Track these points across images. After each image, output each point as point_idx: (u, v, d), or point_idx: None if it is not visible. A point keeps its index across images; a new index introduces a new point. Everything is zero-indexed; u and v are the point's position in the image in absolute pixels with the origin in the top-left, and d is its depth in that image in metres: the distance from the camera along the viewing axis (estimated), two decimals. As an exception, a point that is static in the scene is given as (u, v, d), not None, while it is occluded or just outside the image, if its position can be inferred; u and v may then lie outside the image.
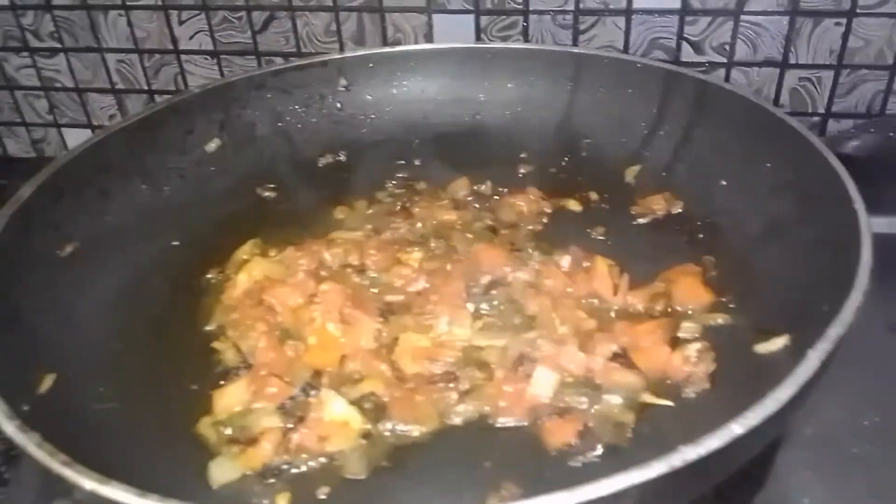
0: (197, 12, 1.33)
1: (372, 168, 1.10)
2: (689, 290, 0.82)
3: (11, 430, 0.57)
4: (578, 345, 0.74)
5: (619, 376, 0.72)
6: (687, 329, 0.78)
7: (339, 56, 1.16)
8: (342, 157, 1.13)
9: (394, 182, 1.08)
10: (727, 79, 1.26)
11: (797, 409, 0.55)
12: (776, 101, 1.27)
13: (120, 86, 1.44)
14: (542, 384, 0.71)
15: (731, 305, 0.81)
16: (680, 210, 0.97)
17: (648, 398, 0.71)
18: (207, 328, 0.85)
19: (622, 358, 0.73)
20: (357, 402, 0.72)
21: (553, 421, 0.69)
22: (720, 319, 0.79)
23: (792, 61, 1.24)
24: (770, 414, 0.51)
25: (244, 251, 0.94)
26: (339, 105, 1.16)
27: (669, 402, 0.70)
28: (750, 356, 0.73)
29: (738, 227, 0.90)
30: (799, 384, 0.53)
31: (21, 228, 0.82)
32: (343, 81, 1.15)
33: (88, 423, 0.71)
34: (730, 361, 0.74)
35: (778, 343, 0.71)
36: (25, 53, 1.44)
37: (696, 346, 0.73)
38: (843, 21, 1.18)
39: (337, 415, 0.69)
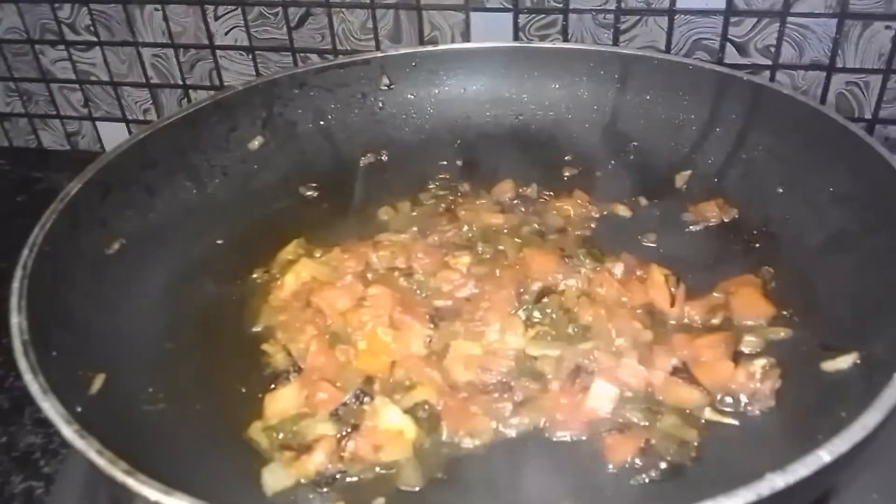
0: (233, 8, 1.32)
1: (414, 168, 1.09)
2: (750, 302, 0.79)
3: (70, 434, 0.56)
4: (637, 358, 0.72)
5: (682, 392, 0.69)
6: (749, 343, 0.75)
7: (382, 54, 1.14)
8: (384, 157, 1.12)
9: (436, 183, 1.07)
10: (772, 81, 1.23)
11: (880, 434, 0.53)
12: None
13: (155, 80, 1.44)
14: (601, 398, 0.69)
15: (794, 319, 0.78)
16: (734, 217, 0.95)
17: (712, 415, 0.69)
18: (255, 329, 0.84)
19: (683, 372, 0.71)
20: (410, 411, 0.70)
21: (613, 437, 0.67)
22: (783, 334, 0.77)
23: (839, 65, 1.20)
24: (858, 440, 0.48)
25: (289, 251, 0.93)
26: (380, 104, 1.14)
27: (734, 421, 0.68)
28: (816, 373, 0.70)
29: (797, 237, 0.87)
30: (887, 408, 0.51)
31: (70, 225, 0.82)
32: (385, 80, 1.14)
33: (139, 425, 0.70)
34: (795, 379, 0.71)
35: (847, 361, 0.69)
36: (61, 46, 1.44)
37: (762, 361, 0.70)
38: (894, 24, 1.15)
39: (391, 424, 0.68)
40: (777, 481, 0.47)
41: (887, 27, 1.15)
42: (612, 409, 0.69)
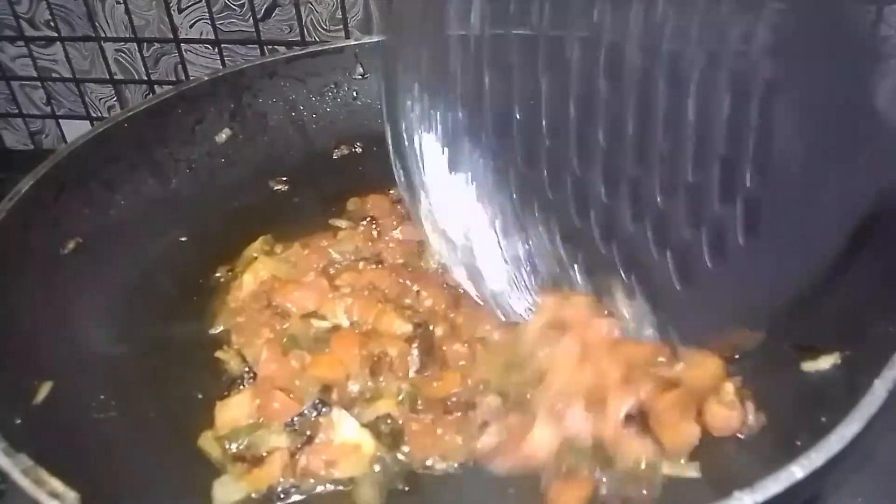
0: None
1: (390, 161, 1.05)
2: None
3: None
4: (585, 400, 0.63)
5: (635, 445, 0.62)
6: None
7: (356, 42, 1.10)
8: (358, 149, 1.08)
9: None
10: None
11: (859, 444, 0.50)
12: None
13: (119, 76, 1.39)
14: (539, 448, 0.61)
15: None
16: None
17: (671, 470, 0.62)
18: (213, 332, 0.80)
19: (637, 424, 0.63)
20: (372, 425, 0.66)
21: (558, 486, 0.60)
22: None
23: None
24: (834, 454, 0.45)
25: (254, 248, 0.89)
26: (355, 94, 1.10)
27: (696, 475, 0.62)
28: (795, 374, 0.67)
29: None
30: (866, 418, 0.47)
31: (19, 225, 0.78)
32: (360, 69, 1.10)
33: (87, 436, 0.67)
34: (773, 380, 0.68)
35: (827, 361, 0.65)
36: (21, 43, 1.38)
37: (731, 387, 0.65)
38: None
39: (347, 438, 0.64)
40: (745, 500, 0.44)
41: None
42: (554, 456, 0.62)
